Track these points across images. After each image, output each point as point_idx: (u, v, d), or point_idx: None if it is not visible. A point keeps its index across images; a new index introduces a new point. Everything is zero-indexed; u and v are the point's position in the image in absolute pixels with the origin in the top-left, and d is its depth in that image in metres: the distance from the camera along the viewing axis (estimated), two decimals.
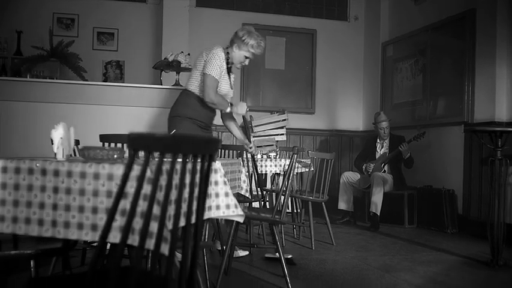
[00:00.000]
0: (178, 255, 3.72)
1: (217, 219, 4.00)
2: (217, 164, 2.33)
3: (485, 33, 5.62)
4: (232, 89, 4.06)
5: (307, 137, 7.78)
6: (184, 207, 1.46)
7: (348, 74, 8.12)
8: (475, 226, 5.53)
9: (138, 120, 4.60)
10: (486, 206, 4.86)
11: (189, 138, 1.41)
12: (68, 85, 4.71)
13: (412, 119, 7.05)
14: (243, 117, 4.07)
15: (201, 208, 1.51)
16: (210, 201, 2.30)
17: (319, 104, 7.93)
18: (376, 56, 7.87)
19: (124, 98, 4.63)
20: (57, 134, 2.02)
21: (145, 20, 7.34)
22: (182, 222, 1.53)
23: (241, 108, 3.98)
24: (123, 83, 7.05)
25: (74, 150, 2.93)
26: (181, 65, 4.73)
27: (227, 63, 3.93)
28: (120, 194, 1.33)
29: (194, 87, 3.85)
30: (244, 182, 3.71)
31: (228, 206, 2.34)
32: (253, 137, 6.99)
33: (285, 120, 6.30)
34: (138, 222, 1.60)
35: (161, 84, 5.13)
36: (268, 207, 5.38)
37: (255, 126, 7.05)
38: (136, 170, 1.58)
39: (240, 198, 3.84)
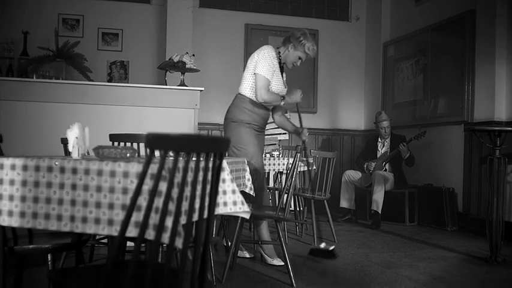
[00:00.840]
0: None
1: (222, 216, 4.10)
2: (223, 163, 2.42)
3: (485, 33, 5.70)
4: (286, 87, 4.05)
5: (309, 136, 7.83)
6: (197, 203, 1.55)
7: (349, 74, 8.21)
8: (475, 224, 5.62)
9: (143, 120, 4.67)
10: (485, 204, 4.95)
11: (201, 138, 1.50)
12: (74, 85, 4.77)
13: (412, 118, 7.14)
14: (296, 104, 4.01)
15: (213, 204, 1.60)
16: (218, 198, 2.39)
17: (321, 103, 8.02)
18: (377, 56, 7.96)
19: (129, 98, 4.70)
20: (73, 133, 2.11)
21: (150, 20, 7.43)
22: (195, 217, 1.62)
23: (296, 96, 3.94)
24: (128, 82, 7.15)
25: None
26: (187, 66, 4.81)
27: (279, 62, 3.96)
28: (139, 190, 1.42)
29: (247, 90, 3.94)
30: (248, 180, 3.80)
31: (235, 203, 2.43)
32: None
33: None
34: (152, 218, 1.69)
35: (166, 85, 5.21)
36: (270, 205, 5.47)
37: None
38: (151, 168, 1.67)
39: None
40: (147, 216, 1.43)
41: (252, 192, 3.84)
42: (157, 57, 7.28)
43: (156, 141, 1.38)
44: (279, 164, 5.13)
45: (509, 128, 4.21)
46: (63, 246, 2.14)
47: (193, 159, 1.49)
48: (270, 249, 4.02)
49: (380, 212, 6.07)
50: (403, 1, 7.54)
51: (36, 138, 4.50)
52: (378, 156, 6.57)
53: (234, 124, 3.94)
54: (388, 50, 7.78)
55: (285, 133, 6.74)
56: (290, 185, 3.58)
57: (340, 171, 7.31)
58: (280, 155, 5.48)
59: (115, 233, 1.76)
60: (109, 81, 7.15)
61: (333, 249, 3.59)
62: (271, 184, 6.46)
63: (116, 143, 3.25)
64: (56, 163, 1.82)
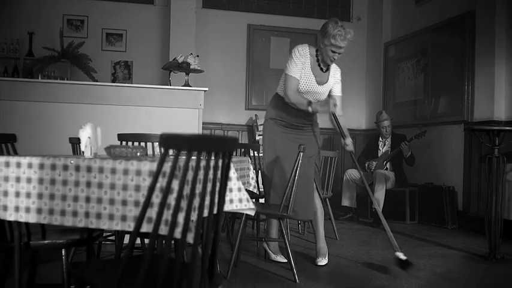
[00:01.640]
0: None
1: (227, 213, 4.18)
2: None
3: (485, 34, 5.78)
4: (321, 85, 3.93)
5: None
6: (207, 199, 1.63)
7: (350, 74, 8.26)
8: (475, 222, 5.69)
9: (148, 120, 4.74)
10: (485, 202, 5.02)
11: (211, 138, 1.58)
12: (80, 86, 4.83)
13: (413, 118, 7.21)
14: (333, 114, 3.86)
15: (222, 200, 1.69)
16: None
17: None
18: (378, 56, 8.03)
19: (135, 98, 4.76)
20: (85, 133, 2.19)
21: (153, 21, 7.51)
22: (205, 214, 1.70)
23: (316, 107, 3.79)
24: (131, 82, 7.24)
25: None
26: (191, 67, 4.89)
27: (317, 60, 3.88)
28: (153, 188, 1.50)
29: (279, 88, 4.04)
30: (252, 178, 3.89)
31: (240, 200, 2.51)
32: (259, 135, 7.17)
33: None
34: (163, 214, 1.77)
35: (170, 85, 5.28)
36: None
37: (260, 125, 7.22)
38: (164, 166, 1.75)
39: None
40: (160, 212, 1.51)
41: (256, 191, 3.94)
42: (161, 57, 7.37)
43: (169, 140, 1.46)
44: None
45: (508, 128, 4.28)
46: (76, 241, 2.23)
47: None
48: (274, 245, 4.10)
49: (381, 210, 6.14)
50: (404, 2, 7.62)
51: (42, 138, 4.55)
52: (379, 155, 6.64)
53: (264, 120, 4.13)
54: (389, 50, 7.86)
55: None
56: (293, 183, 3.65)
57: (341, 170, 7.39)
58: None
59: (128, 228, 1.84)
60: (113, 81, 7.23)
61: (407, 259, 3.65)
62: None
63: (123, 143, 3.33)
64: (71, 162, 1.90)
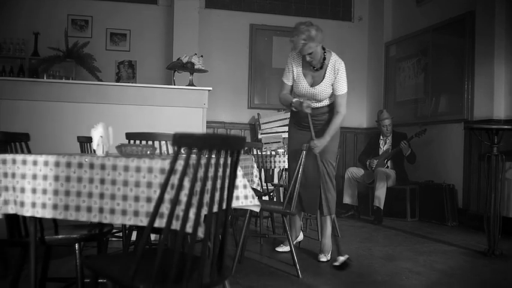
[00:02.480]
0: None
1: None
2: None
3: (484, 34, 5.86)
4: (314, 85, 4.04)
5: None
6: (217, 195, 1.71)
7: (352, 73, 8.28)
8: (474, 219, 5.77)
9: (153, 119, 4.80)
10: (484, 200, 5.10)
11: (221, 137, 1.67)
12: (86, 85, 4.89)
13: (414, 117, 7.29)
14: (308, 114, 3.97)
15: (231, 196, 1.77)
16: None
17: None
18: (379, 56, 8.11)
19: (140, 98, 4.82)
20: (97, 132, 2.28)
21: (157, 21, 7.59)
22: (215, 209, 1.79)
23: (300, 106, 3.91)
24: (135, 82, 7.32)
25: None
26: (195, 67, 4.97)
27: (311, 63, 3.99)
28: (166, 184, 1.59)
29: None
30: (256, 176, 3.98)
31: (246, 197, 2.59)
32: (261, 134, 7.26)
33: None
34: (168, 208, 1.85)
35: (174, 84, 5.36)
36: (275, 201, 5.64)
37: (263, 123, 7.31)
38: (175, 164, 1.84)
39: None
40: (173, 208, 1.60)
41: (259, 188, 4.03)
42: (164, 56, 7.45)
43: (182, 139, 1.55)
44: (284, 162, 5.29)
45: (506, 126, 4.36)
46: (89, 236, 2.32)
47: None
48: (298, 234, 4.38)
49: (382, 208, 6.23)
50: (404, 2, 7.69)
51: (47, 137, 4.59)
52: (380, 153, 6.72)
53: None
54: (390, 49, 7.94)
55: None
56: (296, 180, 3.74)
57: (343, 168, 7.47)
58: (285, 153, 5.64)
59: (140, 223, 1.93)
60: (117, 80, 7.32)
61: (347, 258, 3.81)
62: (275, 181, 6.63)
63: (131, 141, 3.41)
64: (86, 160, 1.99)
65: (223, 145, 1.66)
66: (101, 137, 2.26)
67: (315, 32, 3.88)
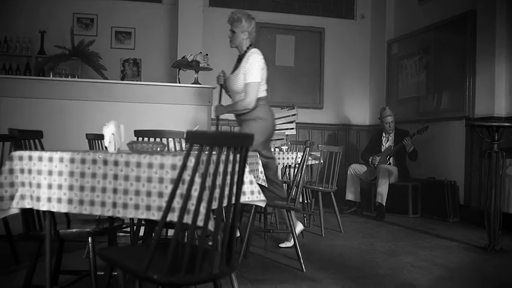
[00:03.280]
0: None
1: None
2: None
3: (485, 32, 5.92)
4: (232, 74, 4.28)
5: (316, 131, 8.12)
6: (226, 190, 1.79)
7: (354, 71, 8.43)
8: (475, 215, 5.84)
9: (159, 116, 4.87)
10: (485, 196, 5.16)
11: (231, 134, 1.75)
12: (93, 83, 4.95)
13: (416, 114, 7.36)
14: (220, 85, 4.52)
15: (239, 191, 1.85)
16: None
17: (327, 99, 8.25)
18: (381, 54, 8.17)
19: (146, 96, 4.89)
20: (109, 130, 2.36)
21: (161, 19, 7.67)
22: (224, 203, 1.87)
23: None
24: (140, 79, 7.40)
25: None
26: (200, 65, 5.05)
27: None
28: (179, 180, 1.67)
29: None
30: (261, 172, 4.04)
31: (252, 192, 2.67)
32: None
33: (294, 115, 6.57)
34: (179, 203, 1.93)
35: (179, 82, 5.43)
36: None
37: None
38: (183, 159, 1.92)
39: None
40: (185, 202, 1.68)
41: (264, 184, 4.10)
42: (169, 54, 7.52)
43: (194, 137, 1.63)
44: (288, 158, 5.35)
45: (507, 124, 4.43)
46: (102, 230, 2.40)
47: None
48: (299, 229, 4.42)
49: (384, 204, 6.30)
50: (407, 0, 7.75)
51: (54, 135, 4.63)
52: (382, 150, 6.79)
53: None
54: (392, 47, 8.00)
55: (292, 128, 6.95)
56: (300, 177, 3.82)
57: (346, 164, 7.55)
58: (289, 149, 5.71)
59: (152, 217, 2.01)
60: (122, 78, 7.39)
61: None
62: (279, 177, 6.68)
63: (139, 139, 3.50)
64: (100, 156, 2.07)
65: (233, 142, 1.74)
66: (113, 134, 2.34)
67: (245, 20, 4.25)
